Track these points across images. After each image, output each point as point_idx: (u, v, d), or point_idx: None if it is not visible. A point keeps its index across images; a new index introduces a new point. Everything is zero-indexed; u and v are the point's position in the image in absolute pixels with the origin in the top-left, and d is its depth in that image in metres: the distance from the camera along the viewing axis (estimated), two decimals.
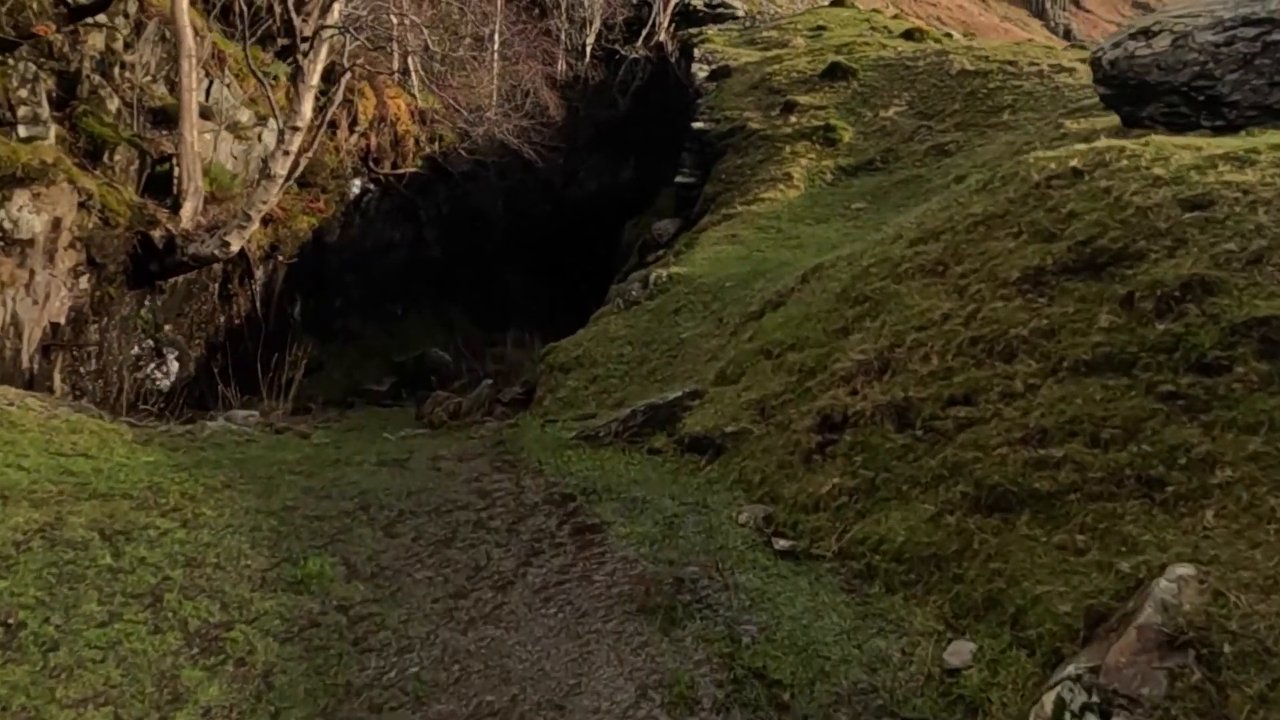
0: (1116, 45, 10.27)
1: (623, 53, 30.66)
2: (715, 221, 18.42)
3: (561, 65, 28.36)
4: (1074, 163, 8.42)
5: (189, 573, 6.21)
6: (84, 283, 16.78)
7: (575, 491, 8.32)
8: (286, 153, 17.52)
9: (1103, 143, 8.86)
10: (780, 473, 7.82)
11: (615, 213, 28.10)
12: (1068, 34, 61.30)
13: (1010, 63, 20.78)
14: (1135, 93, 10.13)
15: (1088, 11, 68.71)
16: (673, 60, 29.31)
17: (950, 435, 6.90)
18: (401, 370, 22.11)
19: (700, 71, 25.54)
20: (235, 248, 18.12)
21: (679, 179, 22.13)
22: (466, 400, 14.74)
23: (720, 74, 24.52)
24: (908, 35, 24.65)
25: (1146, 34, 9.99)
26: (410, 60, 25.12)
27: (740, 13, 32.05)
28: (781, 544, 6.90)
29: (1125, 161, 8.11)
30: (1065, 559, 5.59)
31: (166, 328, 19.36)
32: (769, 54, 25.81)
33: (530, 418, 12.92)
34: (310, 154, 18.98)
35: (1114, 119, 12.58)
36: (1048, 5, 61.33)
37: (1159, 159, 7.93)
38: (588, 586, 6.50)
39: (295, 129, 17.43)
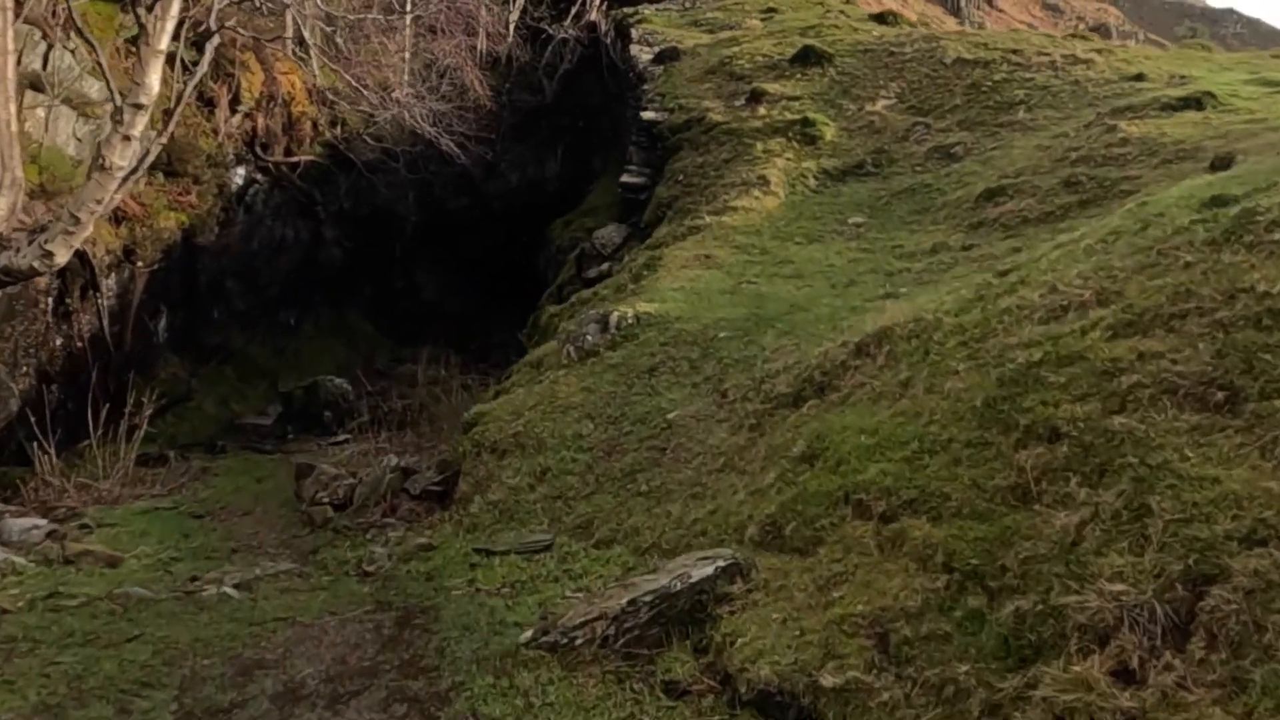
0: None
1: (550, 32, 25.86)
2: (678, 235, 14.05)
3: (482, 43, 23.48)
4: None
5: None
6: None
7: None
8: (128, 138, 12.49)
9: None
10: None
11: (541, 210, 23.41)
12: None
13: (1014, 51, 16.78)
14: None
15: (1000, 11, 66.30)
16: (607, 41, 24.69)
17: None
18: (289, 401, 17.22)
19: (643, 54, 20.98)
20: (61, 259, 13.05)
21: (625, 178, 17.59)
22: (362, 485, 10.15)
23: (667, 56, 20.07)
24: (879, 19, 20.53)
25: None
26: (305, 28, 20.02)
27: None
28: None
29: None
30: None
31: None
32: (720, 36, 21.41)
33: (451, 533, 8.46)
34: (165, 139, 13.95)
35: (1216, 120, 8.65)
36: (963, 3, 58.29)
37: None
38: None
39: (138, 107, 12.41)
